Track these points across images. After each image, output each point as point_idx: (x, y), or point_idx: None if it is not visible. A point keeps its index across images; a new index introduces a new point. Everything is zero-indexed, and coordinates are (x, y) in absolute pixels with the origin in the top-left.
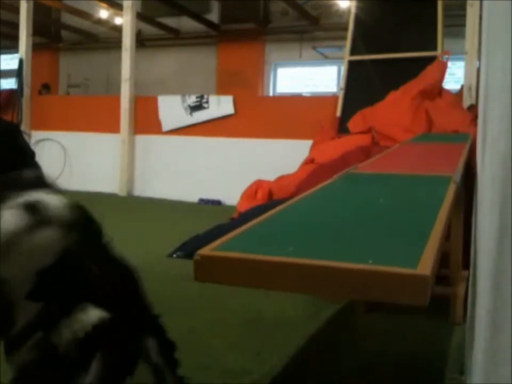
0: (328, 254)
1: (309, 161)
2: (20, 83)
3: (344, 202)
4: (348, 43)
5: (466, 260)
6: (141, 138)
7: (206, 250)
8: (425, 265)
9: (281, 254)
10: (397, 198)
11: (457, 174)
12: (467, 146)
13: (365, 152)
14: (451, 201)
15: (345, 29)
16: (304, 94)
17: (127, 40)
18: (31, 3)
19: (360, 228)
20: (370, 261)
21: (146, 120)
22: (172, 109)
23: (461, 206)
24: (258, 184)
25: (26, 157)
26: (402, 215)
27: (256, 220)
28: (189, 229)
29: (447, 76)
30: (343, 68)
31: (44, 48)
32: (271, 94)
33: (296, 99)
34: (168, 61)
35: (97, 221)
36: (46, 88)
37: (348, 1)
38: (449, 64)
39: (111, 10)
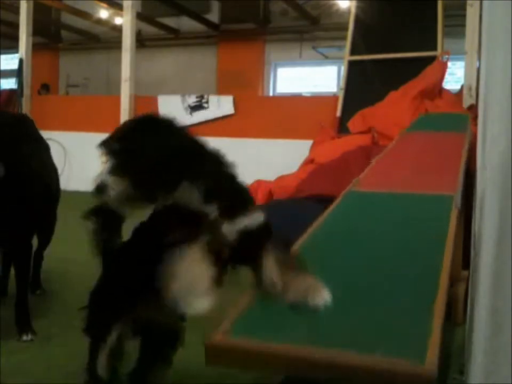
0: (335, 340)
1: (309, 161)
2: (20, 83)
3: (345, 258)
4: (348, 43)
5: (466, 260)
6: None
7: (214, 338)
8: (431, 361)
9: (289, 339)
10: (399, 234)
11: (457, 196)
12: (467, 140)
13: (365, 152)
14: (451, 254)
15: (345, 29)
16: (304, 94)
17: (127, 40)
18: (31, 3)
19: (363, 300)
20: (376, 353)
21: None
22: (172, 109)
23: (461, 205)
24: (258, 184)
25: (41, 147)
26: (403, 277)
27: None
28: None
29: (447, 76)
30: (343, 68)
31: (44, 48)
32: (271, 94)
33: (296, 99)
34: (168, 61)
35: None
36: (45, 88)
37: (347, 1)
38: (449, 64)
39: (111, 10)
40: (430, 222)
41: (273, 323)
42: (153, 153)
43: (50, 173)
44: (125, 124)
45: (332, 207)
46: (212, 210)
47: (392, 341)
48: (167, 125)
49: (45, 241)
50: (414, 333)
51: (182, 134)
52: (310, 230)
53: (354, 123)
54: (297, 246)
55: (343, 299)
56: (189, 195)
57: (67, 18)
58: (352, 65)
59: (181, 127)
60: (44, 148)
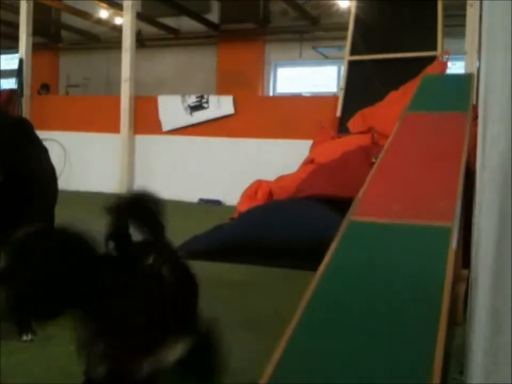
0: None
1: (309, 161)
2: (20, 83)
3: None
4: (348, 43)
5: (466, 260)
6: (141, 138)
7: None
8: None
9: None
10: (398, 275)
11: (454, 236)
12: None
13: (365, 152)
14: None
15: (345, 29)
16: (304, 94)
17: (127, 40)
18: (31, 3)
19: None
20: None
21: (146, 120)
22: (172, 109)
23: (461, 205)
24: (258, 184)
25: (39, 149)
26: (403, 327)
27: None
28: (189, 229)
29: None
30: (343, 68)
31: (44, 48)
32: (271, 94)
33: (296, 99)
34: (168, 61)
35: None
36: (45, 88)
37: (347, 1)
38: (449, 64)
39: (111, 10)
40: (427, 263)
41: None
42: None
43: (48, 175)
44: None
45: (336, 242)
46: None
47: None
48: None
49: None
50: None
51: None
52: (322, 269)
53: (354, 123)
54: (314, 284)
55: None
56: None
57: (67, 18)
58: (352, 65)
59: None
60: (43, 150)
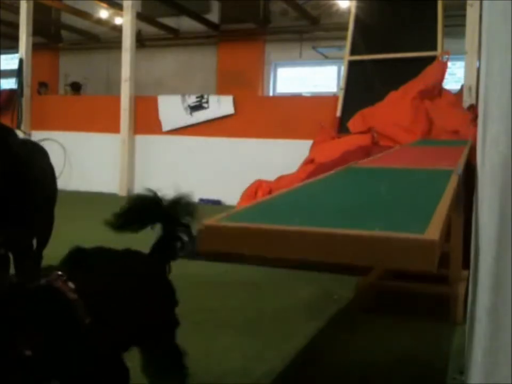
0: (334, 225)
1: (309, 161)
2: (20, 83)
3: (347, 189)
4: (348, 43)
5: (466, 260)
6: (141, 138)
7: (210, 221)
8: (433, 231)
9: (287, 224)
10: (399, 186)
11: (458, 167)
12: (467, 148)
13: (365, 152)
14: (454, 190)
15: (345, 29)
16: (304, 94)
17: (127, 40)
18: (31, 3)
19: (365, 206)
20: (377, 229)
21: (146, 120)
22: (171, 109)
23: (461, 205)
24: (258, 184)
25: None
26: (407, 196)
27: (259, 200)
28: None
29: (447, 76)
30: (343, 68)
31: (44, 48)
32: (271, 94)
33: (296, 99)
34: (168, 61)
35: None
36: (43, 86)
37: (347, 1)
38: (449, 64)
39: (111, 10)
40: (430, 180)
41: (269, 215)
42: None
43: (48, 174)
44: None
45: (327, 174)
46: None
47: (394, 221)
48: None
49: (43, 241)
50: (415, 216)
51: None
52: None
53: (354, 123)
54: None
55: (344, 206)
56: None
57: (67, 18)
58: (352, 65)
59: None
60: (38, 150)
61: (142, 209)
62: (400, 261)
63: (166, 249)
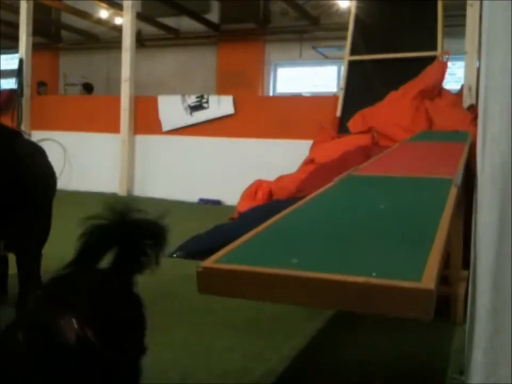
0: (332, 266)
1: (309, 161)
2: (20, 83)
3: (346, 208)
4: (348, 43)
5: (466, 260)
6: (141, 138)
7: (208, 262)
8: (429, 278)
9: (285, 266)
10: (398, 203)
11: (458, 177)
12: (467, 146)
13: (365, 152)
14: (452, 207)
15: (345, 29)
16: (304, 94)
17: (127, 40)
18: (31, 3)
19: (363, 236)
20: (374, 274)
21: (146, 120)
22: (172, 109)
23: (461, 206)
24: (258, 184)
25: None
26: (404, 222)
27: (258, 229)
28: (189, 229)
29: (447, 75)
30: (343, 68)
31: (44, 48)
32: (271, 94)
33: (296, 99)
34: (168, 61)
35: None
36: (42, 85)
37: (347, 1)
38: (449, 64)
39: (111, 10)
40: (429, 193)
41: (267, 253)
42: None
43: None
44: None
45: (327, 186)
46: None
47: (391, 263)
48: None
49: (42, 240)
50: (411, 256)
51: None
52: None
53: (354, 123)
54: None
55: (341, 236)
56: None
57: (67, 18)
58: (352, 65)
59: None
60: (36, 150)
61: (99, 242)
62: (396, 309)
63: (129, 263)
